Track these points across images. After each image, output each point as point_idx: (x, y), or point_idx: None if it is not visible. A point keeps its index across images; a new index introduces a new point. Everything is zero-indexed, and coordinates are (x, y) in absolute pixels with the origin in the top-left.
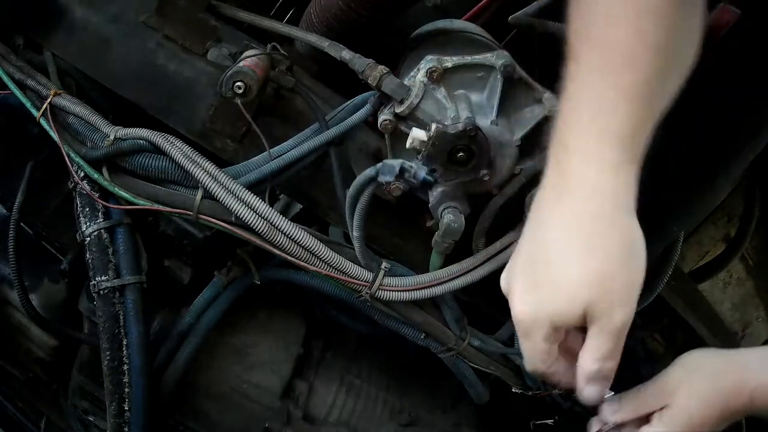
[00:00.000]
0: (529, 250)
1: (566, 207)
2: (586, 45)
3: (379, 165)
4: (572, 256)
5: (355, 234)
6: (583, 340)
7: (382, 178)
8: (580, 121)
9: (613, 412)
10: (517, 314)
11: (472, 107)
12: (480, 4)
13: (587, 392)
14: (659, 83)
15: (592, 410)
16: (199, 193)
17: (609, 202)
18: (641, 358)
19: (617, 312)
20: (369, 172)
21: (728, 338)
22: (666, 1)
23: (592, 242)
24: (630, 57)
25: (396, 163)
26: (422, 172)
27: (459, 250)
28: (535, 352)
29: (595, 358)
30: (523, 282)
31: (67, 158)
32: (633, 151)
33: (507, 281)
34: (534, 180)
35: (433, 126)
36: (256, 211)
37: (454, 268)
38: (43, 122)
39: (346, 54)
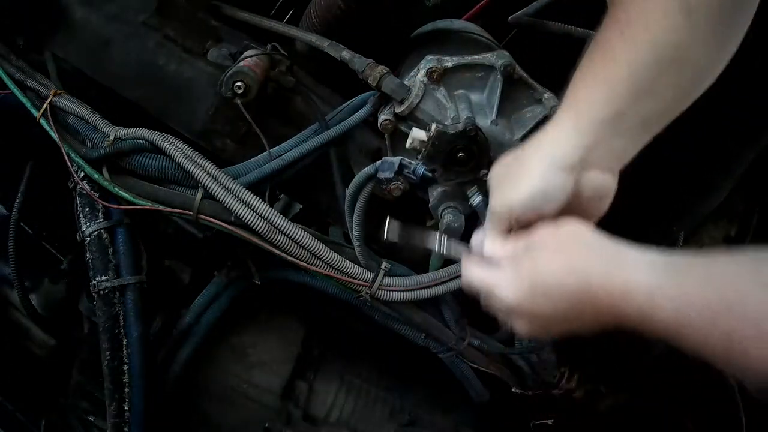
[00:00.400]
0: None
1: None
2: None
3: (379, 162)
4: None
5: (354, 234)
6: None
7: (381, 174)
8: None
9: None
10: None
11: (472, 107)
12: (480, 4)
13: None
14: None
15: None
16: (199, 193)
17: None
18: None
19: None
20: (368, 169)
21: None
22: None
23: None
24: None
25: (395, 159)
26: (422, 168)
27: None
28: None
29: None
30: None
31: (67, 158)
32: (577, 118)
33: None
34: None
35: (433, 126)
36: (256, 211)
37: (454, 268)
38: (43, 122)
39: (346, 54)
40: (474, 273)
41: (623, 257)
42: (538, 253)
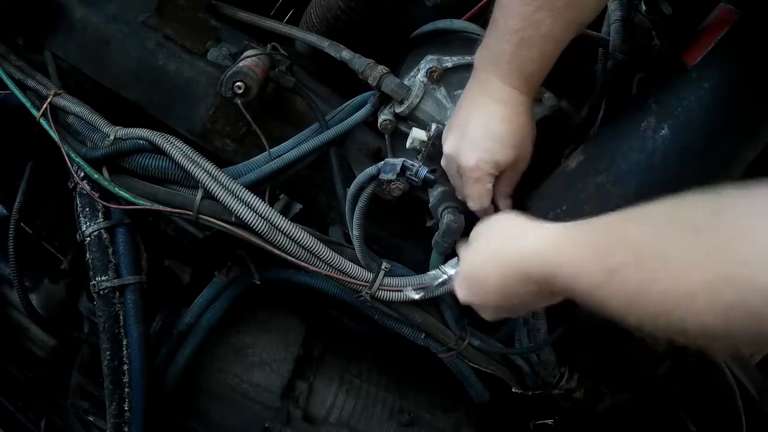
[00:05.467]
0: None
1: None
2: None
3: (381, 163)
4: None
5: (355, 234)
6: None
7: (383, 176)
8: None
9: None
10: (470, 164)
11: None
12: (480, 4)
13: (503, 205)
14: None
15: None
16: (199, 193)
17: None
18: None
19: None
20: (370, 170)
21: None
22: None
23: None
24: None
25: (398, 161)
26: (424, 170)
27: None
28: (484, 191)
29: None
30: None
31: (67, 158)
32: (497, 67)
33: (455, 150)
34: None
35: (433, 126)
36: (256, 211)
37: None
38: (43, 122)
39: (346, 54)
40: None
41: (533, 232)
42: (470, 248)
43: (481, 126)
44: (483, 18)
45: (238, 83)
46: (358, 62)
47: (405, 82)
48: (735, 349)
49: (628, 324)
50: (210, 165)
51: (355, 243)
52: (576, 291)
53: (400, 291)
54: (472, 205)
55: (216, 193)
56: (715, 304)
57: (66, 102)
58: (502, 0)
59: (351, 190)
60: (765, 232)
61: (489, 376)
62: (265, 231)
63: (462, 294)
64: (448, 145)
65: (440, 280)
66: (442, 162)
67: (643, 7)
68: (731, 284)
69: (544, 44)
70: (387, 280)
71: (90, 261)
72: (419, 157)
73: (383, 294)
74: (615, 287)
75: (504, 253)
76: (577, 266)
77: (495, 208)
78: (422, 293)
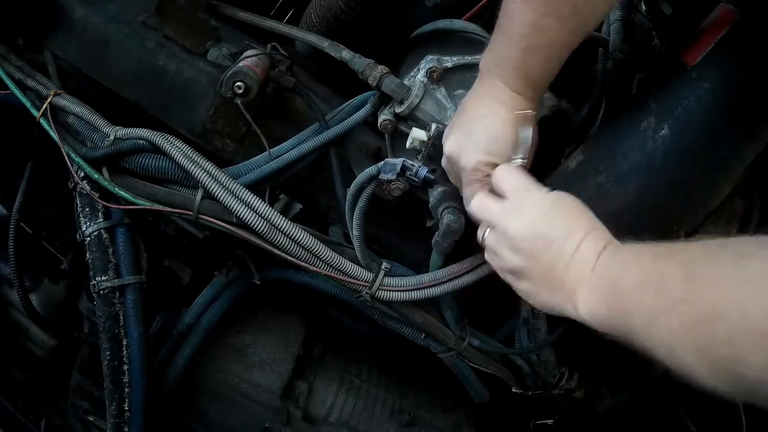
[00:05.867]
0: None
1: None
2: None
3: (381, 163)
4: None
5: (355, 234)
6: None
7: (383, 176)
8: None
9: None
10: (470, 166)
11: None
12: (480, 4)
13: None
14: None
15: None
16: (199, 193)
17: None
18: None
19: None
20: (370, 170)
21: None
22: None
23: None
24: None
25: (398, 161)
26: (424, 170)
27: (459, 250)
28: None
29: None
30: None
31: (67, 158)
32: (503, 71)
33: (456, 151)
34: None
35: (433, 126)
36: (256, 211)
37: (454, 268)
38: (43, 122)
39: (346, 54)
40: (483, 203)
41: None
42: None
43: (483, 129)
44: (483, 18)
45: (238, 83)
46: (358, 62)
47: (405, 82)
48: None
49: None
50: (210, 165)
51: (355, 243)
52: (618, 332)
53: (401, 291)
54: (468, 207)
55: (216, 193)
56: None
57: (66, 102)
58: (508, 5)
59: (351, 190)
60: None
61: (489, 376)
62: (265, 231)
63: (503, 256)
64: (449, 146)
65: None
66: (443, 162)
67: (643, 7)
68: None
69: (549, 50)
70: (387, 280)
71: (90, 261)
72: (419, 157)
73: (383, 294)
74: (655, 335)
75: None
76: (617, 305)
77: None
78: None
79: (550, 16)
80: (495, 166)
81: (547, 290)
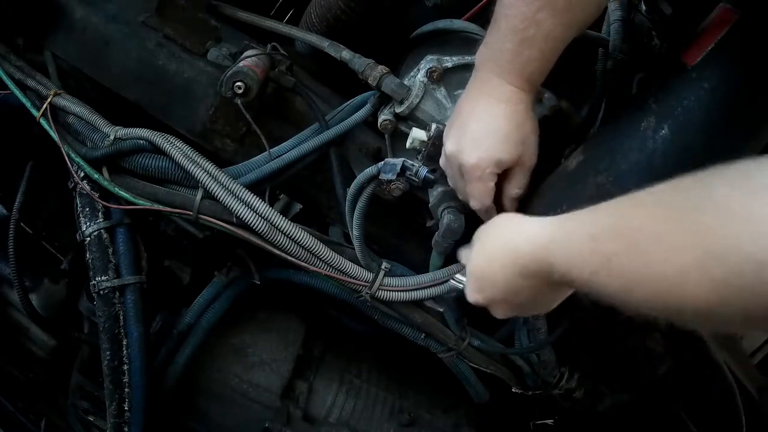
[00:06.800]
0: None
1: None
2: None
3: (381, 163)
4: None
5: (355, 234)
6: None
7: (383, 176)
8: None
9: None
10: (471, 163)
11: None
12: (480, 4)
13: (510, 207)
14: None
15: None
16: (199, 193)
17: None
18: (641, 359)
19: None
20: (370, 170)
21: (728, 337)
22: None
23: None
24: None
25: (398, 161)
26: (424, 170)
27: None
28: (485, 190)
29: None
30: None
31: (67, 158)
32: (498, 65)
33: (456, 150)
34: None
35: (433, 126)
36: (256, 211)
37: (454, 268)
38: (43, 122)
39: (346, 54)
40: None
41: (529, 225)
42: (473, 251)
43: (482, 124)
44: (483, 18)
45: (238, 83)
46: (358, 62)
47: (405, 82)
48: (731, 328)
49: (627, 308)
50: (210, 165)
51: (355, 243)
52: (574, 280)
53: (401, 291)
54: (474, 204)
55: (216, 193)
56: (708, 281)
57: (66, 102)
58: (503, 0)
59: (351, 190)
60: (753, 207)
61: (489, 376)
62: (265, 231)
63: (472, 297)
64: (449, 145)
65: (458, 288)
66: (442, 162)
67: (643, 7)
68: (723, 260)
69: (545, 44)
70: (387, 280)
71: (90, 261)
72: (419, 157)
73: (383, 294)
74: (611, 273)
75: (503, 249)
76: (572, 255)
77: (500, 209)
78: (440, 304)
79: (544, 10)
80: (497, 161)
81: (519, 309)
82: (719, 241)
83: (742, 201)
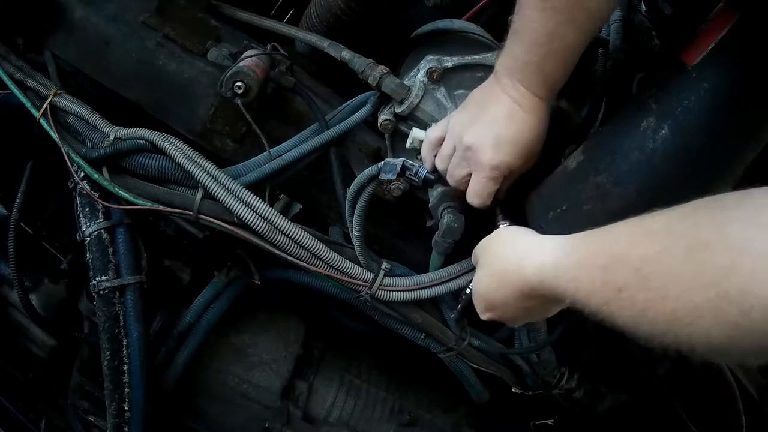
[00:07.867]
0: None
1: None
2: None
3: (381, 163)
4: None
5: (354, 234)
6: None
7: (383, 176)
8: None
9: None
10: (494, 163)
11: None
12: (480, 4)
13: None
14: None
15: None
16: (199, 193)
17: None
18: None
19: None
20: (370, 170)
21: None
22: None
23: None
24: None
25: (398, 161)
26: (424, 170)
27: (459, 250)
28: (491, 191)
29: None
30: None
31: (67, 158)
32: (523, 75)
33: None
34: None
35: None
36: (256, 211)
37: (454, 268)
38: (43, 122)
39: (346, 54)
40: None
41: (534, 252)
42: (478, 269)
43: (509, 132)
44: (483, 18)
45: (238, 83)
46: (358, 62)
47: (405, 82)
48: (744, 363)
49: (637, 339)
50: (210, 165)
51: (355, 243)
52: (585, 308)
53: (401, 291)
54: (475, 201)
55: (216, 193)
56: (720, 323)
57: (66, 102)
58: (525, 12)
59: (351, 190)
60: (764, 244)
61: (489, 376)
62: (265, 231)
63: (483, 315)
64: (469, 137)
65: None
66: (446, 146)
67: (643, 7)
68: (735, 302)
69: (566, 55)
70: (387, 280)
71: (90, 261)
72: (419, 157)
73: (383, 294)
74: (622, 305)
75: (511, 277)
76: (582, 286)
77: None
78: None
79: (566, 24)
80: (513, 168)
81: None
82: (732, 282)
83: (751, 237)
